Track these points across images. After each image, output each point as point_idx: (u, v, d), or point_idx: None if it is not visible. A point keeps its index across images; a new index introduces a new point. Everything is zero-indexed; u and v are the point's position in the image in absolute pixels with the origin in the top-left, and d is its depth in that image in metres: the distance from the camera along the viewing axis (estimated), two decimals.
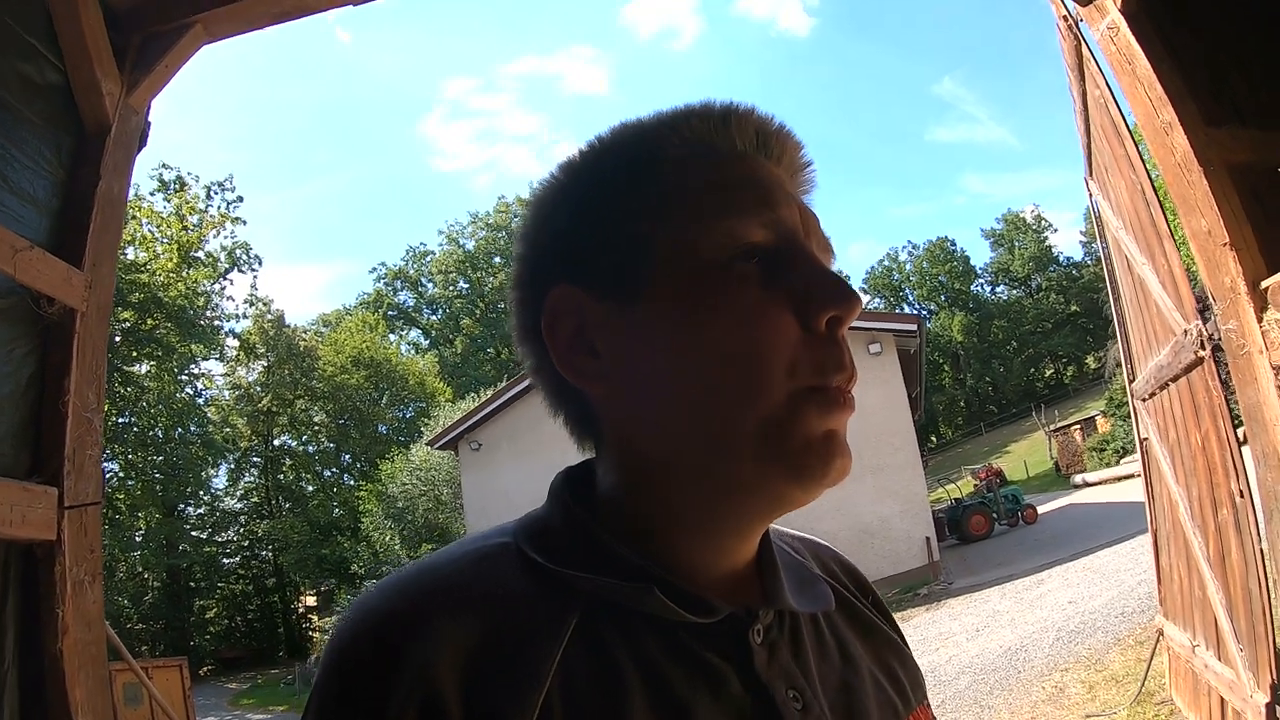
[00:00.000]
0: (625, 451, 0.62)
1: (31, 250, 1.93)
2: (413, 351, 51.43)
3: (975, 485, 23.32)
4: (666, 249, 0.59)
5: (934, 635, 10.12)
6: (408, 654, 0.51)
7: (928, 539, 15.43)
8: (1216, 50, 2.79)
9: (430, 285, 57.67)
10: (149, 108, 2.53)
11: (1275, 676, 2.84)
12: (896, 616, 0.76)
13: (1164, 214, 3.54)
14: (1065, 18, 3.79)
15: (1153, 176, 3.53)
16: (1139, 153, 3.65)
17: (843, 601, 0.71)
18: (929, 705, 0.72)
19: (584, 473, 0.67)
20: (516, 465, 17.23)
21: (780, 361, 0.56)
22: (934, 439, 54.74)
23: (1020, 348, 58.94)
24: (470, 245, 57.90)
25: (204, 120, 77.07)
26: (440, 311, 57.43)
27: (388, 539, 22.16)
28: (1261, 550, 2.95)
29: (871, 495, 14.97)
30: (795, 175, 0.66)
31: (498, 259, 57.19)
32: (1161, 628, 4.87)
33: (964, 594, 12.81)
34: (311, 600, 34.85)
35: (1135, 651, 6.67)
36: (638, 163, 0.63)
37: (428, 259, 58.08)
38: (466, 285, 57.15)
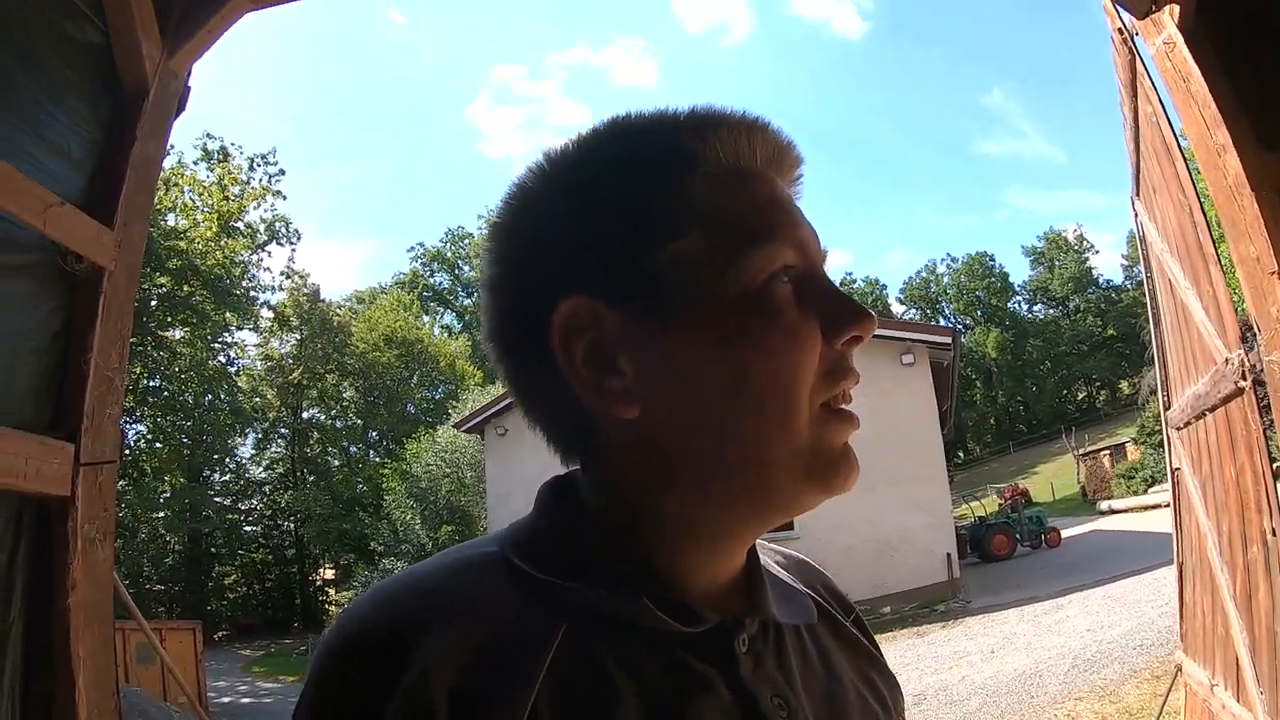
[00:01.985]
0: (640, 466, 0.61)
1: (62, 206, 1.94)
2: (445, 334, 51.78)
3: (1000, 504, 23.40)
4: (707, 269, 0.58)
5: (948, 653, 9.99)
6: (397, 665, 0.51)
7: (949, 555, 15.19)
8: (1273, 74, 2.70)
9: (467, 269, 57.99)
10: (189, 72, 2.53)
11: None
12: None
13: (1211, 238, 3.43)
14: (1120, 31, 3.68)
15: (1202, 198, 3.42)
16: (1189, 173, 3.54)
17: (825, 615, 0.72)
18: (905, 717, 0.76)
19: (569, 484, 0.67)
20: (539, 454, 16.85)
21: (809, 380, 0.58)
22: (961, 454, 54.23)
23: (1054, 368, 58.23)
24: None
25: (251, 92, 78.56)
26: (475, 295, 57.74)
27: (408, 518, 22.34)
28: None
29: (895, 506, 14.54)
30: (794, 190, 0.66)
31: None
32: (1180, 663, 4.75)
33: (982, 613, 12.64)
34: (330, 574, 35.59)
35: (1151, 686, 6.54)
36: (673, 171, 0.60)
37: (465, 242, 58.38)
38: None
